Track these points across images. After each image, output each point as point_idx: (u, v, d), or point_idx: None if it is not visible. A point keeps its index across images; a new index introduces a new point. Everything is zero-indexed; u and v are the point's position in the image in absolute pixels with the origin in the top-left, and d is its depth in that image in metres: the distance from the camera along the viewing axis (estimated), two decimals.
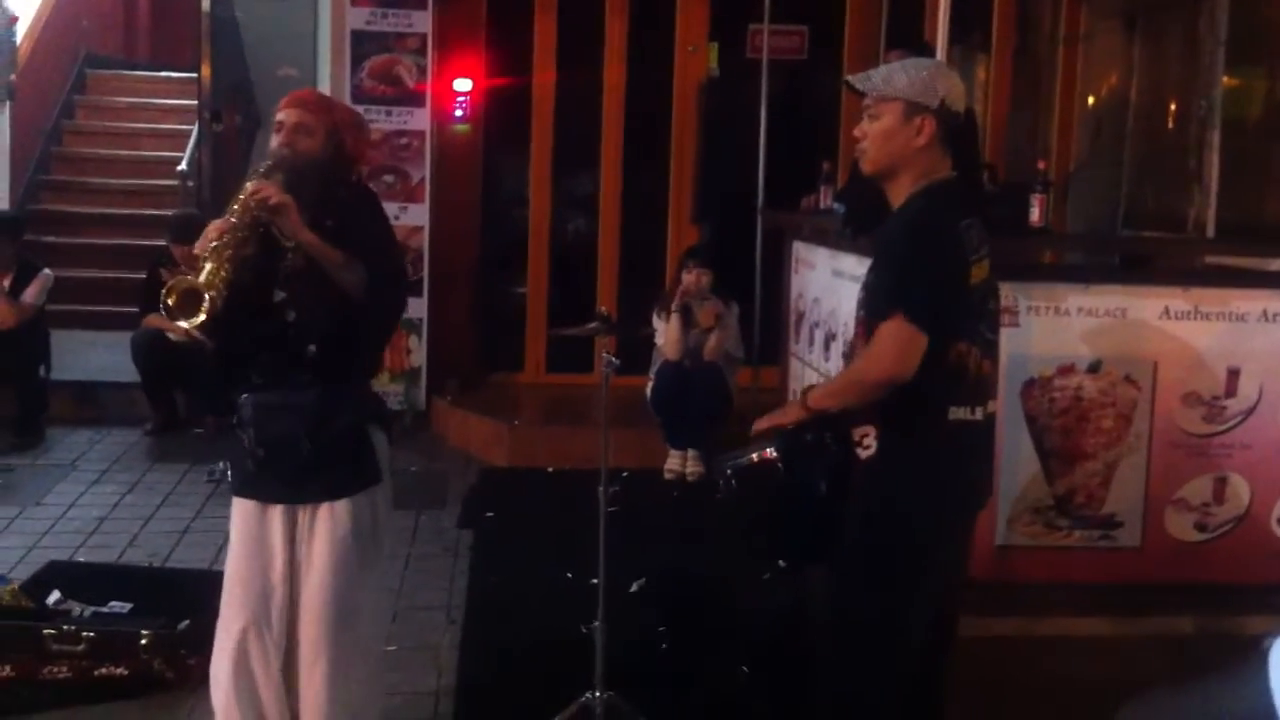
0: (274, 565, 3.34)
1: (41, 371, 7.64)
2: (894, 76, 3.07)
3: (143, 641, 4.07)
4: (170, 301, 2.94)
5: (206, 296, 2.93)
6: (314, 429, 3.27)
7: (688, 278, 6.72)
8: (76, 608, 4.32)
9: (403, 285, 3.63)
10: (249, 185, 3.14)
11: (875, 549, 3.06)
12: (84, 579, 4.61)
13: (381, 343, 3.67)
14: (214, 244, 3.03)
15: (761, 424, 3.20)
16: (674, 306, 6.67)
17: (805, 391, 3.18)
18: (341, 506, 3.34)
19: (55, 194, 11.51)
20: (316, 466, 3.28)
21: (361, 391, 3.47)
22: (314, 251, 3.15)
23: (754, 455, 3.16)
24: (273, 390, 3.26)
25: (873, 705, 3.12)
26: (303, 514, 3.35)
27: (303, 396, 3.26)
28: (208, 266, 2.99)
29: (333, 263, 3.16)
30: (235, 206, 3.10)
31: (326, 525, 3.33)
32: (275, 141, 3.32)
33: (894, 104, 3.04)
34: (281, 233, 3.16)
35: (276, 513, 3.34)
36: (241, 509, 3.38)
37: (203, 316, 2.94)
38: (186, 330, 2.98)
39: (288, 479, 3.29)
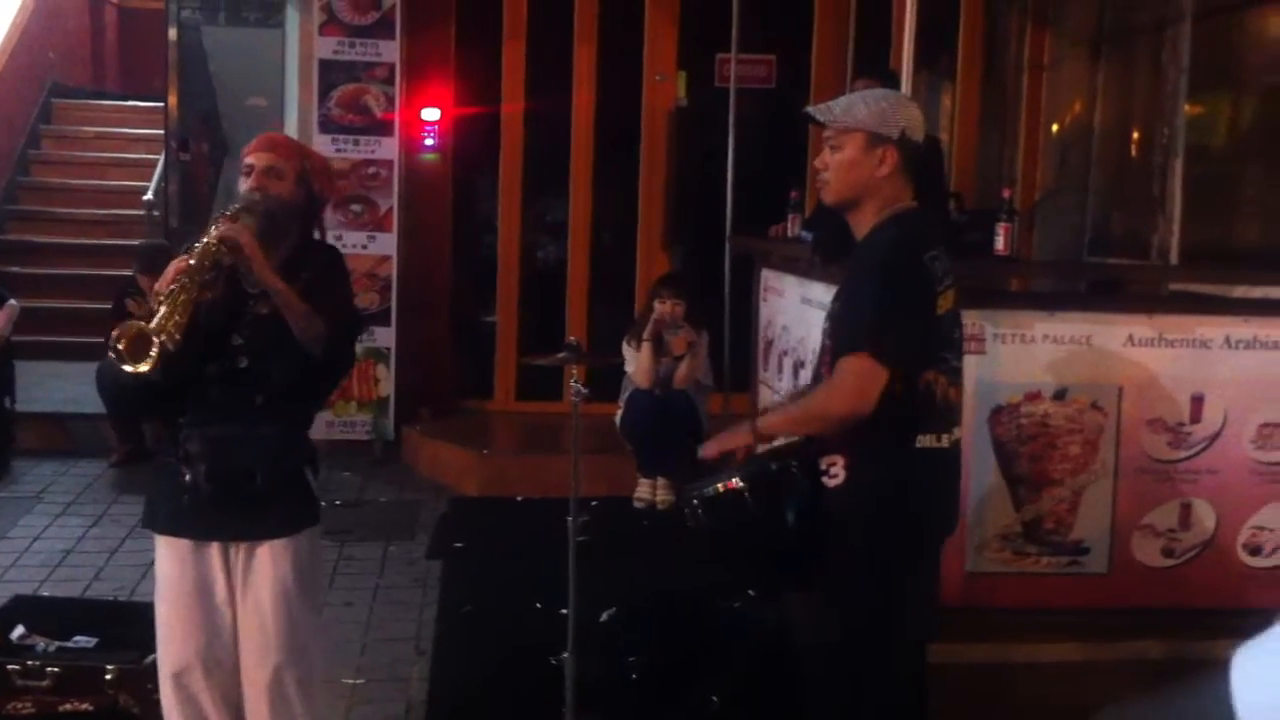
0: (215, 603, 3.30)
1: (6, 403, 7.57)
2: (854, 107, 3.09)
3: (108, 676, 4.03)
4: (120, 346, 2.91)
5: (156, 342, 2.90)
6: (268, 467, 3.25)
7: (661, 308, 6.72)
8: (41, 642, 4.27)
9: (353, 345, 3.61)
10: (215, 228, 3.12)
11: (845, 576, 3.06)
12: (49, 613, 4.56)
13: (325, 396, 3.66)
14: (171, 287, 3.00)
15: (710, 449, 3.21)
16: (646, 335, 6.68)
17: (755, 417, 3.19)
18: (282, 545, 3.31)
19: (21, 224, 11.46)
20: (265, 502, 3.26)
21: (303, 432, 3.46)
22: (280, 298, 3.14)
23: (720, 485, 3.15)
24: (219, 425, 3.22)
25: None
26: (235, 551, 3.30)
27: (256, 431, 3.23)
28: (161, 310, 2.96)
29: (297, 313, 3.15)
30: (198, 248, 3.08)
31: (268, 563, 3.29)
32: (245, 185, 3.30)
33: (856, 135, 3.06)
34: (246, 273, 3.14)
35: (213, 550, 3.29)
36: (172, 548, 3.31)
37: (149, 364, 2.90)
38: (129, 374, 2.93)
39: (230, 515, 3.25)
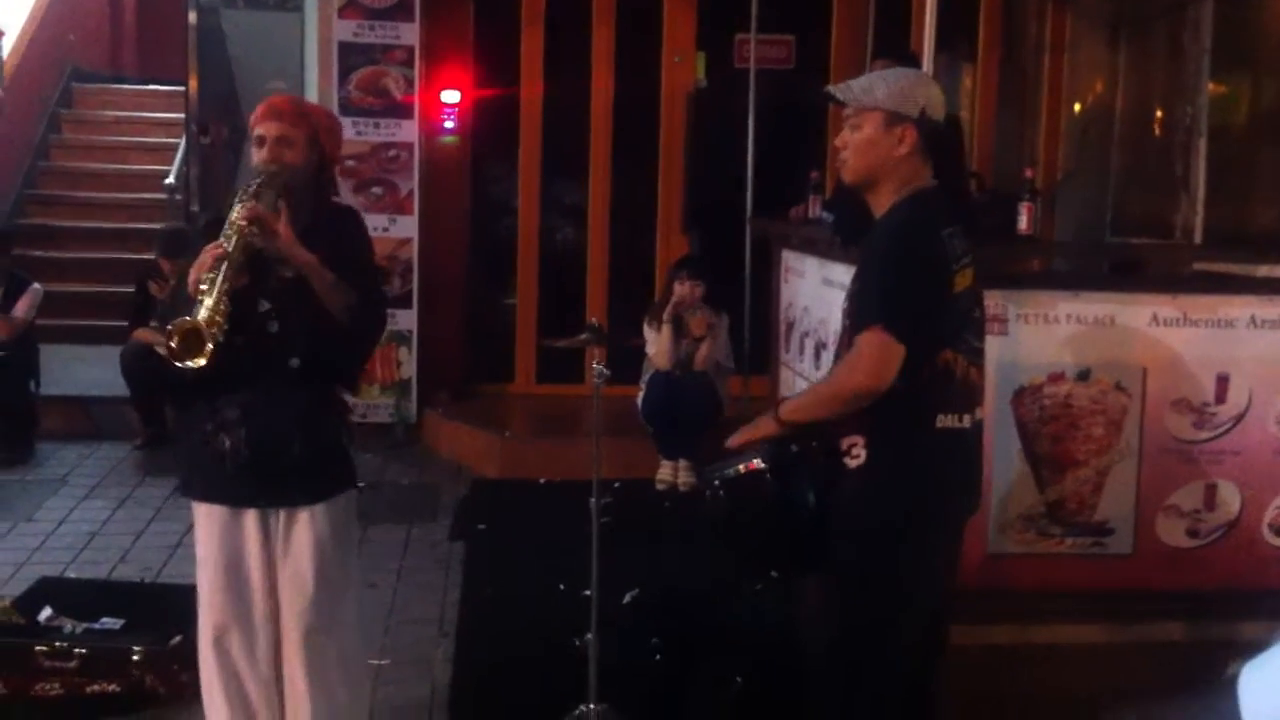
0: (250, 570, 3.33)
1: (31, 387, 7.62)
2: (874, 86, 3.09)
3: (134, 657, 4.07)
4: (173, 344, 2.93)
5: (209, 336, 2.93)
6: (306, 432, 3.26)
7: (680, 289, 6.73)
8: (68, 624, 4.31)
9: (384, 307, 3.62)
10: (241, 209, 3.12)
11: (866, 558, 3.06)
12: (75, 595, 4.60)
13: (363, 361, 3.66)
14: (210, 275, 3.01)
15: (736, 440, 3.20)
16: (666, 317, 6.68)
17: (778, 404, 3.19)
18: (321, 510, 3.34)
19: (43, 208, 11.49)
20: (303, 469, 3.28)
21: (338, 395, 3.48)
22: (309, 271, 3.15)
23: (740, 466, 3.15)
24: (254, 392, 3.24)
25: (869, 714, 3.12)
26: (275, 518, 3.33)
27: (293, 399, 3.25)
28: (207, 302, 2.97)
29: (325, 284, 3.16)
30: (229, 232, 3.08)
31: (307, 529, 3.33)
32: (259, 157, 3.29)
33: (875, 114, 3.06)
34: (275, 250, 3.15)
35: (250, 517, 3.32)
36: (209, 515, 3.35)
37: (205, 359, 2.93)
38: (187, 370, 2.95)
39: (269, 482, 3.27)
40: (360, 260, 3.37)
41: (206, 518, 3.36)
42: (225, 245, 3.05)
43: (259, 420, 3.23)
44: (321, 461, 3.33)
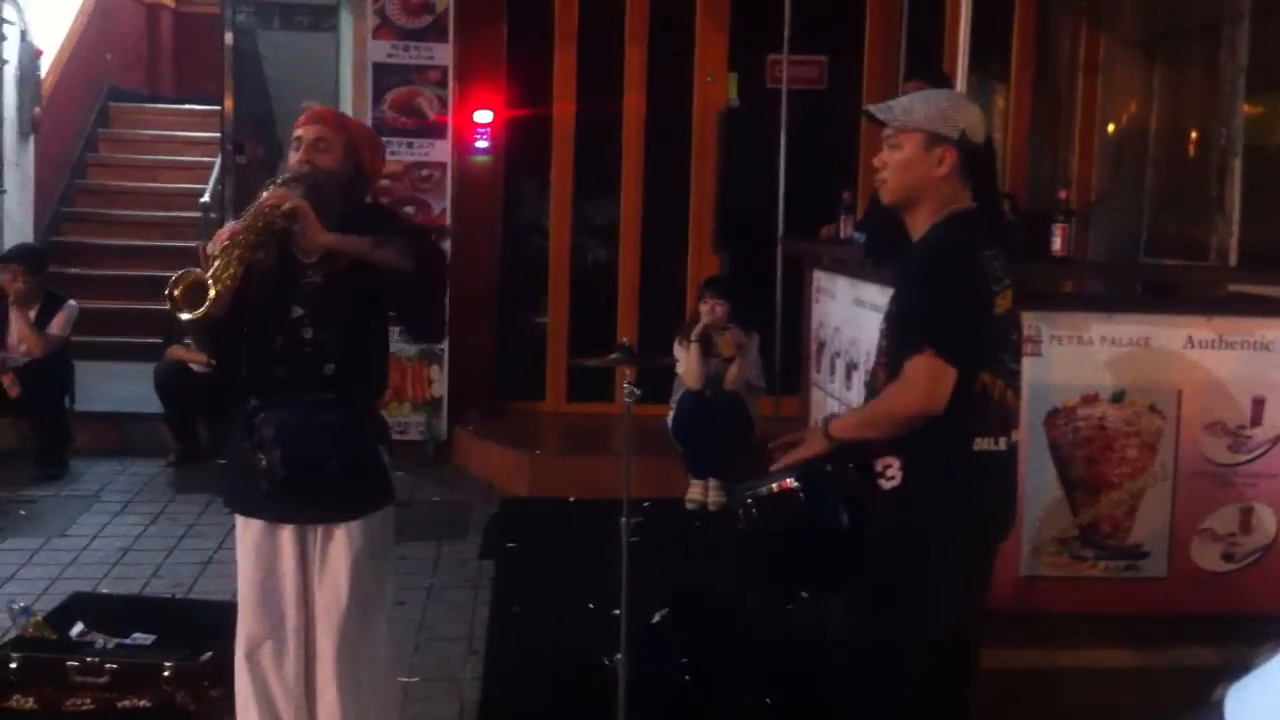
0: (285, 586, 3.35)
1: (65, 403, 7.67)
2: (914, 107, 3.08)
3: (165, 673, 4.07)
4: (176, 292, 2.96)
5: (211, 290, 2.95)
6: (341, 449, 3.28)
7: (704, 309, 6.73)
8: (100, 639, 4.32)
9: (439, 248, 3.57)
10: (266, 193, 3.16)
11: (899, 579, 3.05)
12: (107, 610, 4.61)
13: (443, 302, 3.57)
14: (225, 243, 3.05)
15: (787, 460, 3.18)
16: (693, 336, 6.68)
17: (826, 421, 3.17)
18: (358, 525, 3.35)
19: (79, 226, 11.59)
20: (339, 486, 3.29)
21: (375, 411, 3.50)
22: (339, 247, 3.17)
23: (774, 485, 3.15)
24: (290, 409, 3.26)
25: None
26: (312, 534, 3.35)
27: (328, 416, 3.26)
28: (216, 263, 3.02)
29: (363, 250, 3.17)
30: (250, 209, 3.13)
31: (344, 545, 3.34)
32: (294, 158, 3.34)
33: (914, 134, 3.05)
34: (300, 238, 3.16)
35: (286, 532, 3.34)
36: (249, 529, 3.38)
37: (204, 309, 2.95)
38: (183, 321, 3.01)
39: (306, 499, 3.29)
40: (401, 226, 3.41)
41: (245, 531, 3.39)
42: (244, 220, 3.10)
43: (294, 439, 3.23)
44: (358, 478, 3.34)
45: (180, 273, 2.99)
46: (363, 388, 3.40)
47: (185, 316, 2.98)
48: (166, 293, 2.97)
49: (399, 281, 3.20)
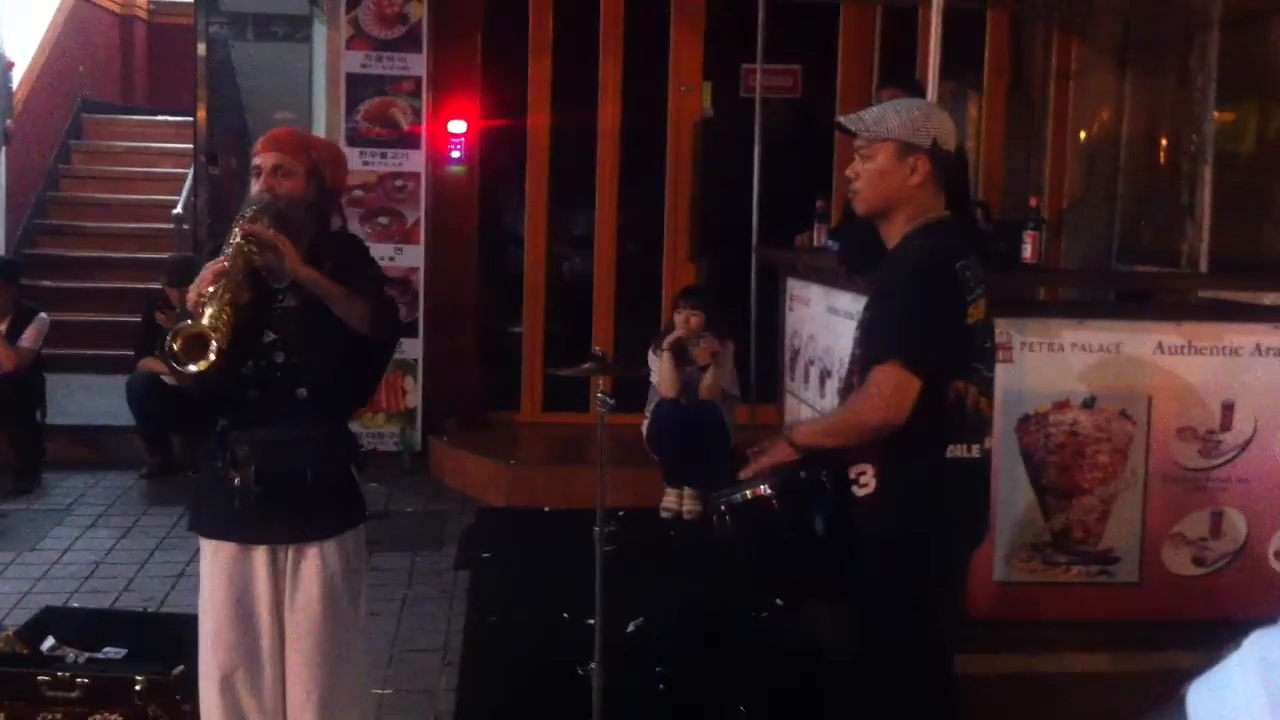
0: (260, 609, 3.30)
1: (37, 415, 7.62)
2: (886, 117, 3.09)
3: (137, 687, 4.03)
4: (175, 346, 2.93)
5: (213, 341, 2.93)
6: (317, 468, 3.26)
7: (678, 319, 6.74)
8: (71, 654, 4.28)
9: (399, 314, 3.61)
10: (239, 227, 3.12)
11: (879, 587, 3.06)
12: (79, 624, 4.58)
13: (380, 374, 3.64)
14: (210, 289, 3.02)
15: (751, 468, 3.19)
16: (665, 346, 6.68)
17: (790, 428, 3.18)
18: (331, 544, 3.32)
19: (52, 238, 11.53)
20: (313, 504, 3.27)
21: (346, 428, 3.48)
22: (316, 287, 3.14)
23: (748, 492, 3.15)
24: (264, 427, 3.23)
25: None
26: (283, 554, 3.31)
27: (304, 434, 3.24)
28: (209, 310, 2.97)
29: (335, 296, 3.15)
30: (229, 250, 3.09)
31: (317, 564, 3.30)
32: (256, 186, 3.30)
33: (887, 144, 3.06)
34: (278, 273, 3.14)
35: (259, 554, 3.29)
36: (217, 552, 3.31)
37: (211, 358, 2.93)
38: (188, 374, 2.97)
39: (279, 519, 3.25)
40: (368, 273, 3.37)
41: (214, 554, 3.32)
42: (224, 261, 3.05)
43: (269, 457, 3.21)
44: (332, 496, 3.32)
45: (177, 327, 2.96)
46: (336, 407, 3.38)
47: (192, 369, 2.94)
48: (165, 349, 2.93)
49: (343, 341, 3.19)
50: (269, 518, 3.25)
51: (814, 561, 3.15)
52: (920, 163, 3.04)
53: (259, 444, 3.21)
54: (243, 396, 3.24)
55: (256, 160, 3.32)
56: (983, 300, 3.07)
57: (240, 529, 3.28)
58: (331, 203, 3.44)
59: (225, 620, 3.31)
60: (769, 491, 3.13)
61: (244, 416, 3.24)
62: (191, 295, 3.05)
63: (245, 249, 3.08)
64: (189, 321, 2.96)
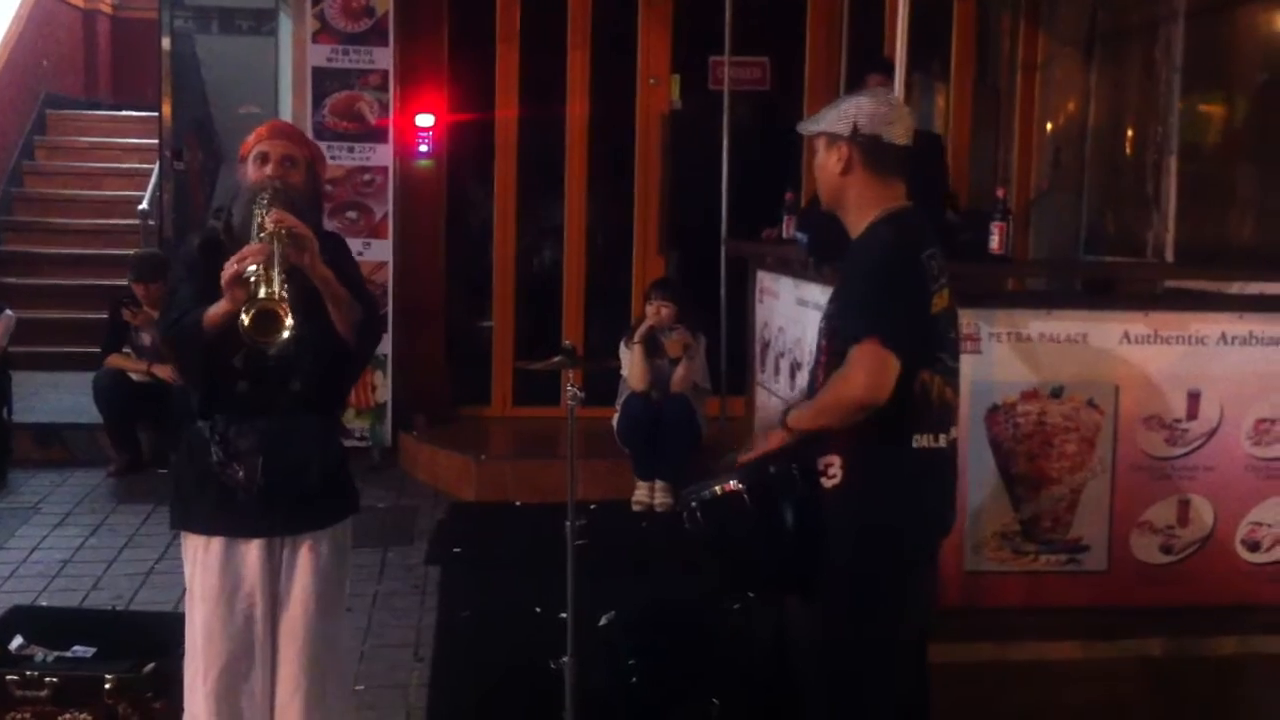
0: (253, 602, 3.26)
1: (3, 414, 7.57)
2: (823, 113, 3.18)
3: (107, 686, 4.01)
4: (248, 324, 2.91)
5: (282, 308, 2.91)
6: (322, 457, 3.26)
7: (649, 310, 6.75)
8: (40, 653, 4.25)
9: (382, 325, 3.62)
10: (266, 215, 3.06)
11: (847, 578, 3.07)
12: (47, 623, 4.54)
13: (355, 378, 3.65)
14: (255, 268, 2.96)
15: (749, 457, 3.19)
16: (636, 338, 6.68)
17: (784, 414, 3.18)
18: (326, 535, 3.32)
19: (16, 235, 11.46)
20: (315, 495, 3.26)
21: (339, 420, 3.48)
22: (327, 287, 3.12)
23: (717, 488, 3.16)
24: (266, 419, 3.20)
25: None
26: (279, 546, 3.29)
27: (306, 425, 3.24)
28: (269, 289, 2.93)
29: (340, 300, 3.14)
30: (263, 235, 3.03)
31: (310, 555, 3.29)
32: (263, 172, 3.24)
33: (820, 138, 3.16)
34: (302, 266, 3.08)
35: (254, 547, 3.26)
36: (208, 547, 3.27)
37: (287, 331, 2.92)
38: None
39: (281, 511, 3.23)
40: (359, 280, 3.37)
41: (204, 551, 3.27)
42: (269, 245, 3.00)
43: (273, 449, 3.19)
44: (329, 487, 3.31)
45: (257, 300, 2.91)
46: (327, 399, 3.36)
47: (273, 337, 2.93)
48: (242, 321, 2.90)
49: (334, 342, 3.19)
50: (267, 510, 3.22)
51: (785, 555, 3.15)
52: (843, 150, 3.09)
53: (262, 435, 3.19)
54: (232, 391, 3.21)
55: (262, 148, 3.28)
56: (946, 290, 3.08)
57: (235, 523, 3.24)
58: (321, 200, 3.43)
59: (217, 616, 3.27)
60: (738, 486, 3.13)
61: (237, 411, 3.21)
62: (230, 270, 2.97)
63: (283, 237, 3.02)
64: (261, 298, 2.91)
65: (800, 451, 3.11)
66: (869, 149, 3.08)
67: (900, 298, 2.99)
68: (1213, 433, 4.57)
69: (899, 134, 3.11)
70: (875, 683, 3.12)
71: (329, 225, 7.02)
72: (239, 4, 9.85)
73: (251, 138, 3.34)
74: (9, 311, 7.63)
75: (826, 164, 3.13)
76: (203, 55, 9.95)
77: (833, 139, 3.10)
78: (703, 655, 4.77)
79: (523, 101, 8.22)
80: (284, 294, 2.94)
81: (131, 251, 8.89)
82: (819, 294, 5.22)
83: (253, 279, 2.96)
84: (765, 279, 6.61)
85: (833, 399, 3.02)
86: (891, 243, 3.05)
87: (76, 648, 4.30)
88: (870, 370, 2.91)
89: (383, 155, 7.75)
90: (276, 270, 2.96)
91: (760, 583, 3.54)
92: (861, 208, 3.10)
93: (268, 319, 2.92)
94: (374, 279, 7.61)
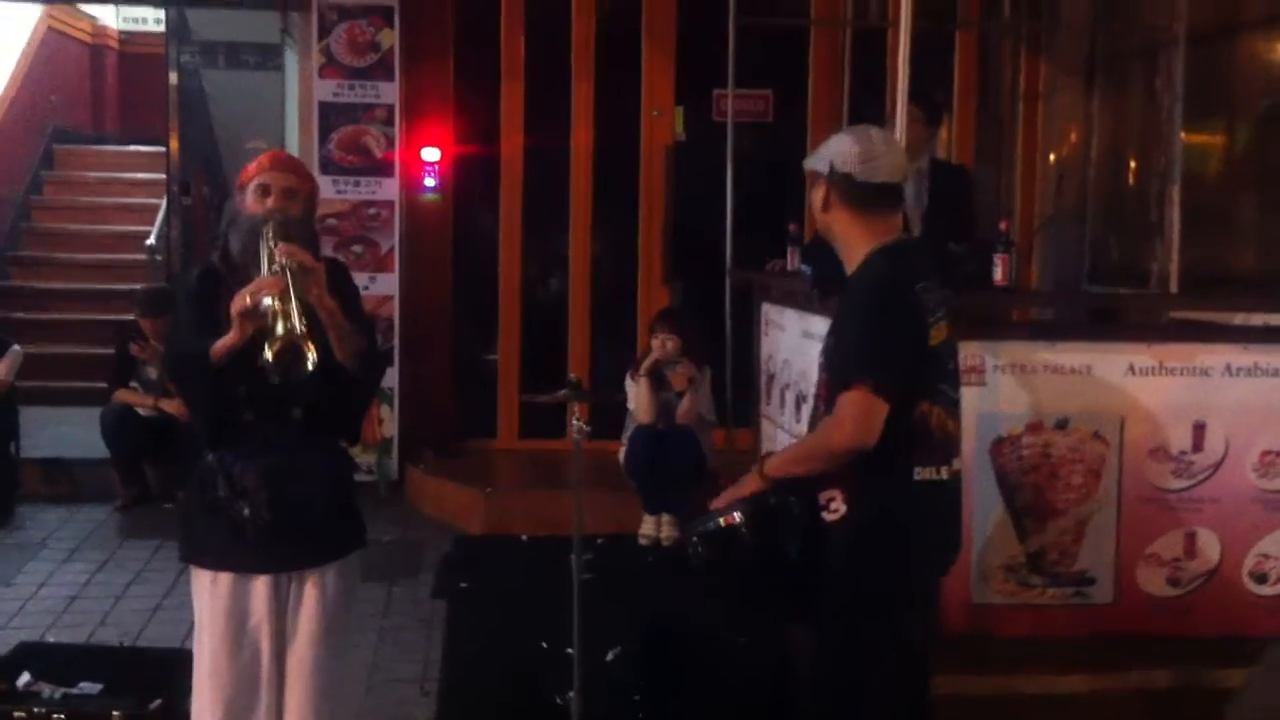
0: (261, 638, 3.26)
1: (10, 448, 7.58)
2: (818, 148, 3.22)
3: None
4: (271, 359, 2.93)
5: (305, 341, 2.93)
6: (328, 491, 3.26)
7: (655, 343, 6.75)
8: (47, 689, 4.26)
9: (384, 356, 3.63)
10: (274, 247, 3.08)
11: (849, 612, 3.07)
12: (54, 659, 4.55)
13: (363, 410, 3.63)
14: (272, 301, 2.97)
15: (720, 502, 3.21)
16: (642, 371, 6.69)
17: (761, 461, 3.20)
18: (334, 569, 3.32)
19: (24, 269, 11.49)
20: (322, 529, 3.26)
21: (345, 450, 3.47)
22: (332, 318, 3.12)
23: (720, 521, 3.17)
24: (272, 454, 3.20)
25: None
26: (287, 582, 3.29)
27: (309, 457, 3.24)
28: (289, 323, 2.94)
29: (344, 331, 3.15)
30: (275, 267, 3.04)
31: (316, 590, 3.29)
32: (265, 204, 3.24)
33: (810, 175, 3.23)
34: (310, 298, 3.08)
35: (261, 582, 3.26)
36: (215, 582, 3.27)
37: (311, 364, 2.94)
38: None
39: (287, 546, 3.23)
40: (360, 309, 3.38)
41: (212, 585, 3.27)
42: (283, 278, 3.01)
43: (280, 482, 3.18)
44: (337, 520, 3.32)
45: (277, 337, 2.93)
46: (330, 427, 3.35)
47: (293, 370, 2.96)
48: (266, 357, 2.93)
49: (337, 373, 3.18)
50: (275, 545, 3.21)
51: (788, 588, 3.15)
52: (824, 188, 3.16)
53: (270, 471, 3.18)
54: (237, 420, 3.20)
55: (263, 179, 3.27)
56: (944, 323, 3.09)
57: (243, 558, 3.24)
58: (317, 231, 3.45)
59: (224, 652, 3.27)
60: (739, 519, 3.14)
61: (242, 443, 3.21)
62: (241, 303, 2.99)
63: (293, 268, 3.03)
64: (284, 332, 2.93)
65: (800, 485, 3.12)
66: (844, 187, 3.12)
67: (894, 332, 3.01)
68: (1218, 465, 4.57)
69: (880, 171, 3.11)
70: (876, 715, 3.12)
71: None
72: (246, 39, 9.92)
73: (252, 167, 3.34)
74: (16, 346, 7.66)
75: (813, 200, 3.21)
76: (210, 90, 10.03)
77: (815, 176, 3.18)
78: (708, 690, 4.76)
79: (527, 134, 8.26)
80: (304, 328, 2.96)
81: (139, 286, 8.92)
82: (824, 326, 5.20)
83: (268, 313, 2.97)
84: (770, 311, 6.61)
85: (820, 446, 3.05)
86: (884, 277, 3.08)
87: (83, 684, 4.30)
88: (858, 418, 2.94)
89: (389, 189, 7.79)
90: (294, 304, 2.97)
91: (765, 616, 3.54)
92: (849, 243, 3.15)
93: (292, 355, 2.94)
94: (380, 313, 7.65)
